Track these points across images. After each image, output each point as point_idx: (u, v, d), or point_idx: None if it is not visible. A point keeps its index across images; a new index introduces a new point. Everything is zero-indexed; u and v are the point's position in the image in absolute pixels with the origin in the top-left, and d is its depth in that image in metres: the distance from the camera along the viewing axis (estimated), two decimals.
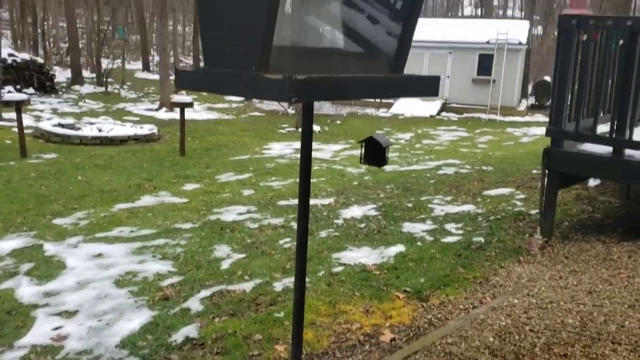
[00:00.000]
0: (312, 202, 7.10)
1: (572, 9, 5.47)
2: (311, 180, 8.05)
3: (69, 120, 14.16)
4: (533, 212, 6.07)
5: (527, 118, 22.64)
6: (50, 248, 5.30)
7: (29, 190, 7.82)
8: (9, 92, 18.58)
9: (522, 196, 6.97)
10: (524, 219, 5.91)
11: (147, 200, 7.54)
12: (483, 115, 22.02)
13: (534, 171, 8.65)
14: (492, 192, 7.36)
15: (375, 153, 2.79)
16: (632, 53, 4.26)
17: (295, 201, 7.20)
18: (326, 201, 7.15)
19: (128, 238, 5.69)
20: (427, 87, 2.55)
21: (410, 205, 6.83)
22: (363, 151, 2.82)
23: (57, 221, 6.37)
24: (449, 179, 8.71)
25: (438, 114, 22.38)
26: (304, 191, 2.54)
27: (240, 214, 6.62)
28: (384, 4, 2.48)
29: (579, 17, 4.43)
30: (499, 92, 21.81)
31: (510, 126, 19.66)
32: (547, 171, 4.82)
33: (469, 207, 6.61)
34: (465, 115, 22.45)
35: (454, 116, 22.23)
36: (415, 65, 23.39)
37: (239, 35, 2.14)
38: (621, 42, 4.57)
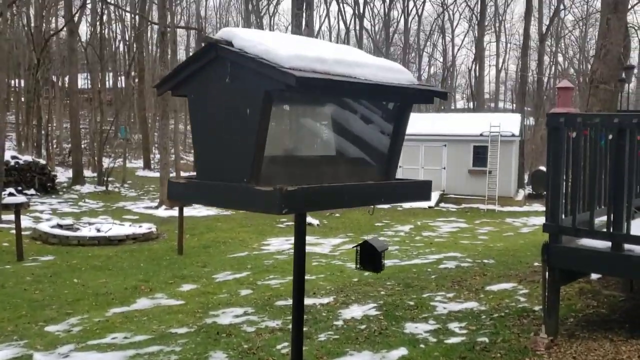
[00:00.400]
0: (310, 301, 6.96)
1: (560, 107, 5.64)
2: (310, 277, 7.93)
3: (68, 221, 14.17)
4: (537, 308, 5.93)
5: (526, 208, 22.72)
6: (39, 359, 5.12)
7: (22, 295, 7.69)
8: (10, 194, 18.76)
9: (525, 291, 6.84)
10: (528, 315, 5.76)
11: (143, 303, 7.40)
12: (481, 206, 22.11)
13: (536, 263, 8.55)
14: (495, 287, 7.23)
15: (370, 258, 2.75)
16: (622, 148, 4.33)
17: None
18: (325, 300, 7.00)
19: (121, 345, 5.51)
20: (419, 192, 2.56)
21: (412, 303, 6.68)
22: (358, 256, 2.79)
23: (50, 328, 6.20)
24: (451, 273, 8.58)
25: (437, 204, 22.47)
26: (298, 317, 2.45)
27: (237, 316, 6.46)
28: (375, 116, 2.54)
29: (567, 115, 4.53)
30: (496, 183, 22.02)
31: (509, 216, 19.68)
32: (547, 267, 4.75)
33: (471, 304, 6.46)
34: (463, 205, 22.54)
35: (452, 207, 22.31)
36: (412, 158, 23.81)
37: (230, 149, 2.17)
38: (610, 136, 4.65)
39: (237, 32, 2.15)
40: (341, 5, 46.17)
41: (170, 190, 2.37)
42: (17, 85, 40.43)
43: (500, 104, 54.85)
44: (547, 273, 4.82)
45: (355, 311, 6.44)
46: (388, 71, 2.32)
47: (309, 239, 13.76)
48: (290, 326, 5.90)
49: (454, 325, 5.68)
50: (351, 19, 46.84)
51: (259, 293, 7.72)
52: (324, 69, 2.04)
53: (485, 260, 9.63)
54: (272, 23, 48.97)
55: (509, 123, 23.15)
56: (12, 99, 40.59)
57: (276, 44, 2.04)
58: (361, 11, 44.13)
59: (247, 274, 9.19)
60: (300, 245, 2.49)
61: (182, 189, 2.34)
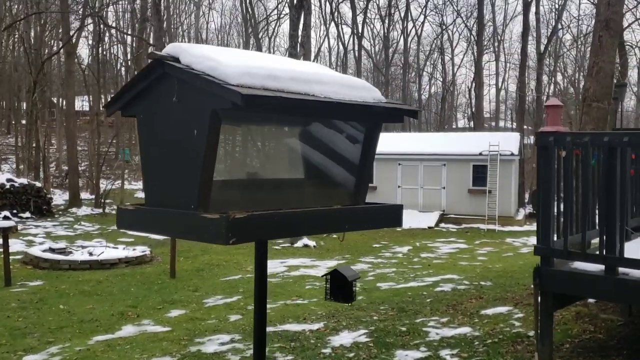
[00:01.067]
0: (299, 327, 6.76)
1: (549, 126, 5.50)
2: (302, 302, 7.72)
3: (61, 244, 13.98)
4: (532, 333, 5.71)
5: (526, 227, 22.47)
6: None
7: (5, 322, 7.48)
8: (5, 217, 18.62)
9: (520, 315, 6.62)
10: (523, 341, 5.55)
11: (128, 330, 7.18)
12: (482, 225, 21.86)
13: (532, 285, 8.33)
14: (490, 310, 7.01)
15: (340, 288, 2.57)
16: (613, 167, 4.17)
17: (283, 327, 6.85)
18: (315, 326, 6.79)
19: None
20: (388, 217, 2.39)
21: (404, 329, 6.46)
22: (328, 286, 2.61)
23: (28, 358, 6.00)
24: (447, 296, 8.37)
25: (436, 225, 22.24)
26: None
27: (223, 343, 6.25)
28: (340, 137, 2.38)
29: (556, 134, 4.38)
30: (496, 202, 21.81)
31: (509, 236, 19.44)
32: (539, 292, 4.56)
33: (465, 330, 6.25)
34: (464, 225, 22.30)
35: (452, 227, 22.07)
36: (411, 178, 23.66)
37: (178, 173, 2.01)
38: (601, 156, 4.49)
39: (185, 48, 2.00)
40: (339, 27, 46.42)
41: (119, 219, 2.21)
42: (17, 107, 40.58)
43: (501, 123, 54.84)
44: (539, 297, 4.63)
45: (345, 338, 6.22)
46: (351, 88, 2.17)
47: (304, 260, 13.57)
48: (276, 354, 5.70)
49: (445, 353, 5.46)
50: (349, 39, 47.08)
51: (248, 319, 7.50)
52: (276, 86, 1.89)
53: (483, 282, 9.41)
54: (272, 45, 49.21)
55: (508, 142, 23.00)
56: (12, 122, 40.73)
57: (226, 60, 1.89)
58: (360, 32, 44.35)
59: (237, 298, 8.98)
60: (260, 276, 2.32)
61: (130, 216, 2.19)
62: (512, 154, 22.53)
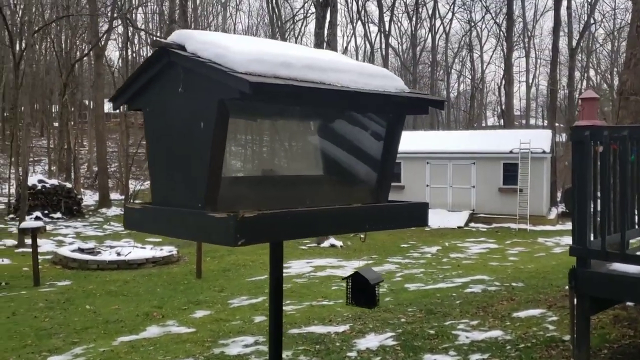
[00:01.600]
0: (325, 329, 6.61)
1: (584, 120, 5.24)
2: (328, 303, 7.53)
3: (90, 244, 14.11)
4: (567, 337, 5.46)
5: (559, 227, 21.95)
6: None
7: (32, 322, 7.50)
8: (37, 217, 18.91)
9: (554, 318, 6.36)
10: (557, 346, 5.30)
11: (152, 331, 7.13)
12: (513, 225, 21.42)
13: (567, 287, 8.03)
14: (522, 313, 6.76)
15: (362, 291, 2.41)
16: None
17: (308, 329, 6.71)
18: (340, 328, 6.63)
19: None
20: (412, 216, 2.22)
21: (432, 332, 6.26)
22: (349, 290, 2.45)
23: (53, 359, 5.98)
24: (477, 298, 8.13)
25: (466, 224, 21.87)
26: None
27: (247, 345, 6.14)
28: (361, 129, 2.22)
29: (592, 128, 4.14)
30: (527, 201, 21.34)
31: (541, 236, 18.98)
32: (575, 295, 4.32)
33: (496, 333, 6.02)
34: (494, 225, 21.88)
35: (482, 227, 21.67)
36: (439, 176, 23.32)
37: (185, 169, 1.88)
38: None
39: (192, 34, 1.87)
40: (366, 25, 46.12)
41: (127, 218, 2.09)
42: (49, 110, 41.32)
43: (532, 121, 53.88)
44: (575, 300, 4.40)
45: (371, 341, 6.05)
46: (371, 77, 2.01)
47: (330, 261, 13.41)
48: (300, 357, 5.56)
49: (475, 357, 5.25)
50: (375, 37, 46.73)
51: None
52: (289, 74, 1.74)
53: (514, 284, 9.13)
54: (299, 44, 49.06)
55: (540, 140, 22.49)
56: (45, 124, 41.47)
57: (234, 47, 1.75)
58: (387, 30, 43.98)
59: (263, 299, 8.87)
60: (276, 281, 2.18)
61: (138, 216, 2.06)
62: (544, 152, 22.02)
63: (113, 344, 6.51)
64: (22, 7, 29.02)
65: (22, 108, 18.39)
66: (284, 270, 9.08)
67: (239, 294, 9.36)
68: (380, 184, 2.26)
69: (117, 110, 39.83)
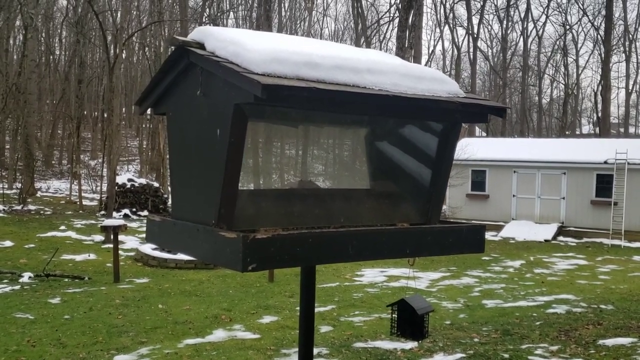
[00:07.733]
0: (391, 345, 6.32)
1: None
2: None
3: None
4: None
5: None
6: None
7: (106, 319, 7.69)
8: (126, 215, 19.73)
9: None
10: None
11: (218, 334, 7.11)
12: (605, 240, 20.04)
13: None
14: (610, 341, 6.16)
15: (409, 322, 2.13)
16: None
17: (374, 344, 6.45)
18: (408, 345, 6.31)
19: None
20: (464, 241, 1.92)
21: (506, 355, 5.82)
22: (395, 318, 2.18)
23: (118, 358, 6.05)
24: (559, 320, 7.55)
25: (554, 238, 20.69)
26: None
27: None
28: (408, 139, 1.96)
29: None
30: (622, 215, 19.90)
31: (637, 253, 17.62)
32: None
33: None
34: (584, 239, 20.57)
35: (572, 241, 20.43)
36: (527, 186, 22.22)
37: (201, 180, 1.70)
38: None
39: (211, 31, 1.69)
40: (454, 29, 45.03)
41: (148, 231, 1.94)
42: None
43: (631, 129, 50.63)
44: None
45: None
46: (418, 80, 1.75)
47: (405, 271, 13.00)
48: None
49: None
50: (463, 40, 45.51)
51: (339, 331, 7.17)
52: (314, 76, 1.52)
53: (603, 306, 8.43)
54: (383, 49, 48.73)
55: (638, 149, 20.92)
56: (140, 125, 43.46)
57: (252, 44, 1.55)
58: (475, 33, 42.73)
59: (331, 307, 8.67)
60: (307, 307, 1.96)
61: (157, 229, 1.90)
62: None
63: (178, 346, 6.52)
64: (118, 14, 30.55)
65: (112, 110, 19.28)
66: (357, 279, 8.89)
67: None
68: (431, 202, 1.99)
69: None
